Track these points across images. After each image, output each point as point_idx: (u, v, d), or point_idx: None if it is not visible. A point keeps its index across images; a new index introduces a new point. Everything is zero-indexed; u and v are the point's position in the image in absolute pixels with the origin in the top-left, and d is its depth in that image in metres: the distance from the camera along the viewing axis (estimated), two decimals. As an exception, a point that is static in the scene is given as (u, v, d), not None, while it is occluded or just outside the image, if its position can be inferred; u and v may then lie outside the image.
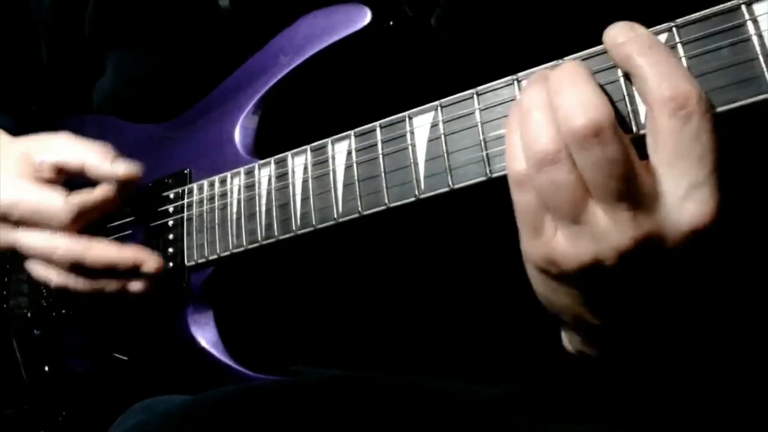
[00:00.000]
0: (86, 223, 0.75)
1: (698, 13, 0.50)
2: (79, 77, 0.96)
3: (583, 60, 0.53)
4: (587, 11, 0.61)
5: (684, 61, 0.50)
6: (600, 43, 0.51)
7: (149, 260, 0.75)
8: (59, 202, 0.74)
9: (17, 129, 0.91)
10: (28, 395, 0.90)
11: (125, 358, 0.84)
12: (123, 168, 0.76)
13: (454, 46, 0.70)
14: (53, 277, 0.76)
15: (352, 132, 0.66)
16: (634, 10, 0.52)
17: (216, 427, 0.60)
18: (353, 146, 0.65)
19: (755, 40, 0.47)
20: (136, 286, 0.76)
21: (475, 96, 0.59)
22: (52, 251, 0.74)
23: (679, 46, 0.50)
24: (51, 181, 0.77)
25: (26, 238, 0.75)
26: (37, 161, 0.77)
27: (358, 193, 0.64)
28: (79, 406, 0.88)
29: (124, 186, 0.76)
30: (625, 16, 0.48)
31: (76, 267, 0.75)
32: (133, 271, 0.75)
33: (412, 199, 0.61)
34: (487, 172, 0.57)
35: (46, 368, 0.89)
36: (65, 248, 0.74)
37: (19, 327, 0.92)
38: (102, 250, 0.74)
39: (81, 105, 0.97)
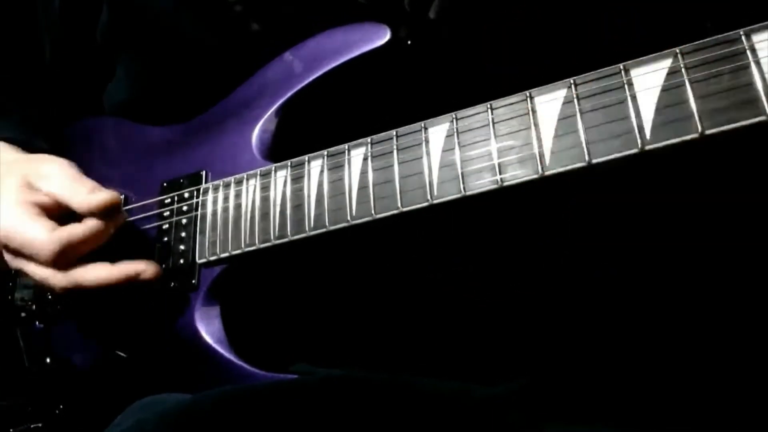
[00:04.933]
0: (76, 256, 0.76)
1: (701, 41, 0.54)
2: (88, 80, 0.98)
3: (594, 79, 0.57)
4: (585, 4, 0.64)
5: (688, 84, 0.54)
6: (599, 36, 0.55)
7: (147, 270, 0.77)
8: (43, 238, 0.74)
9: (22, 134, 0.93)
10: (26, 387, 0.90)
11: (125, 355, 0.85)
12: (99, 198, 0.76)
13: (454, 40, 0.73)
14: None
15: (369, 138, 0.69)
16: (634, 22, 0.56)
17: (213, 428, 0.61)
18: (369, 152, 0.68)
19: (753, 66, 0.52)
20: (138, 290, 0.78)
21: (489, 109, 0.63)
22: (49, 284, 0.77)
23: (683, 70, 0.54)
24: (49, 209, 0.78)
25: (28, 267, 0.78)
26: (36, 187, 0.78)
27: (372, 197, 0.67)
28: (77, 402, 0.88)
29: (108, 217, 0.77)
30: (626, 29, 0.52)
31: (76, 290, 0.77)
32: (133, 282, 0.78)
33: (425, 204, 0.64)
34: (498, 180, 0.60)
35: (48, 361, 0.90)
36: (57, 283, 0.76)
37: (23, 319, 0.92)
38: (94, 277, 0.76)
39: (89, 107, 0.99)
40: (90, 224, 0.76)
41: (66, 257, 0.75)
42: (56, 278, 0.76)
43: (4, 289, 0.93)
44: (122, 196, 0.88)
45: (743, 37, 0.53)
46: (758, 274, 0.62)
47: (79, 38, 0.95)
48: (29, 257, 0.77)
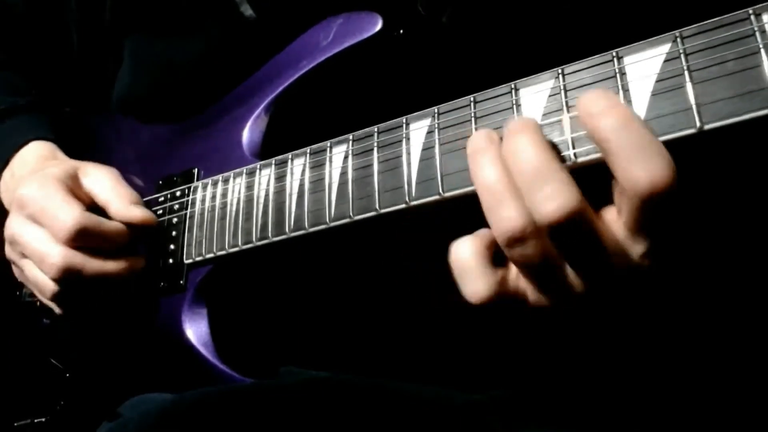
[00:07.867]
0: (85, 246, 0.73)
1: (704, 23, 0.47)
2: (103, 68, 0.98)
3: (584, 68, 0.52)
4: (597, 10, 0.59)
5: (686, 73, 0.47)
6: (610, 40, 0.50)
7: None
8: (69, 212, 0.72)
9: (55, 134, 0.93)
10: (30, 383, 0.92)
11: (116, 356, 0.84)
12: (138, 214, 0.76)
13: (465, 44, 0.69)
14: (46, 286, 0.76)
15: (351, 135, 0.65)
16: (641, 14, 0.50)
17: (193, 428, 0.59)
18: (350, 149, 0.64)
19: (763, 51, 0.44)
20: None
21: (472, 103, 0.57)
22: (45, 255, 0.73)
23: (683, 56, 0.48)
24: (81, 200, 0.77)
25: (27, 233, 0.75)
26: (80, 179, 0.79)
27: (350, 197, 0.63)
28: (76, 398, 0.88)
29: (137, 230, 0.77)
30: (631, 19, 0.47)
31: (67, 277, 0.74)
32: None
33: (402, 205, 0.59)
34: (479, 181, 0.55)
35: (51, 357, 0.91)
36: (57, 259, 0.72)
37: (29, 315, 0.94)
38: (98, 266, 0.74)
39: (102, 102, 0.98)
40: (117, 226, 0.75)
41: (82, 242, 0.72)
42: (58, 253, 0.72)
43: (13, 285, 0.94)
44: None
45: (752, 17, 0.45)
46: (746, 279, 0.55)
47: (93, 23, 0.94)
48: (43, 225, 0.73)
